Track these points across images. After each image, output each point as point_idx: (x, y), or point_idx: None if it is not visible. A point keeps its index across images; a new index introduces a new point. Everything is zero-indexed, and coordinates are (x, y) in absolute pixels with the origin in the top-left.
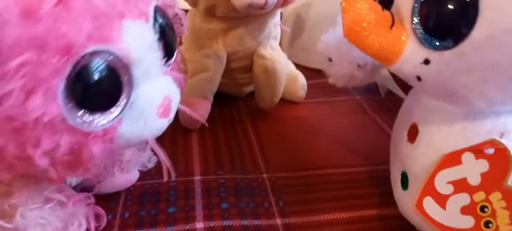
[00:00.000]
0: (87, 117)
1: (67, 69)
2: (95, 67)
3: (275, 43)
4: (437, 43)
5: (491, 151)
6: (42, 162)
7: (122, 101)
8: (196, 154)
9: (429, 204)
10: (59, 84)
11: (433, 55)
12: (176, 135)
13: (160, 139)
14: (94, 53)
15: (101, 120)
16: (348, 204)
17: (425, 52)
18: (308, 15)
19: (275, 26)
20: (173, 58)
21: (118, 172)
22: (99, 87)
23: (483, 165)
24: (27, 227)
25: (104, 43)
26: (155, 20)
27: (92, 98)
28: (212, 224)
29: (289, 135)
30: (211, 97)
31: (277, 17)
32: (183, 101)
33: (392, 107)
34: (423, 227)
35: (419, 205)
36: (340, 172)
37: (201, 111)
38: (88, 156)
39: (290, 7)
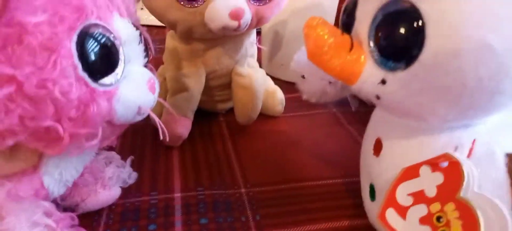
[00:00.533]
0: (92, 75)
1: (78, 27)
2: (98, 37)
3: (252, 61)
4: (391, 65)
5: (445, 164)
6: (58, 101)
7: (119, 70)
8: (177, 171)
9: (391, 215)
10: (73, 36)
11: (388, 76)
12: (157, 152)
13: (141, 156)
14: (96, 26)
15: (103, 80)
16: (321, 215)
17: (381, 73)
18: (284, 32)
19: (251, 44)
20: (147, 62)
21: (101, 188)
22: (102, 53)
23: (439, 178)
24: None
25: (104, 20)
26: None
27: (96, 61)
28: None
29: (267, 149)
30: (191, 115)
31: (253, 37)
32: (163, 119)
33: (366, 119)
34: None
35: (382, 216)
36: (316, 184)
37: (182, 129)
38: (93, 111)
39: (268, 25)
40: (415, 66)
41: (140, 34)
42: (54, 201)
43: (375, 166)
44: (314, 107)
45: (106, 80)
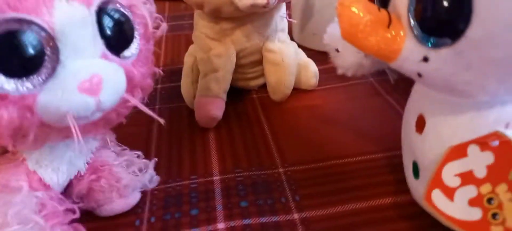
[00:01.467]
0: (2, 80)
1: None
2: (17, 35)
3: (283, 35)
4: (434, 42)
5: (496, 143)
6: None
7: (44, 72)
8: (214, 153)
9: (437, 196)
10: None
11: (431, 53)
12: (194, 135)
13: (178, 140)
14: (17, 21)
15: (18, 86)
16: (363, 193)
17: (423, 50)
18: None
19: (281, 19)
20: (131, 51)
21: (117, 197)
22: (19, 54)
23: (489, 157)
24: None
25: (27, 13)
26: (105, 10)
27: (11, 63)
28: (232, 224)
29: (303, 126)
30: (224, 96)
31: (283, 10)
32: (196, 102)
33: (406, 87)
34: (436, 215)
35: (428, 198)
36: (355, 160)
37: (216, 111)
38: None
39: None
40: (462, 42)
41: (125, 16)
42: (71, 199)
43: (418, 144)
44: (350, 78)
45: (22, 87)
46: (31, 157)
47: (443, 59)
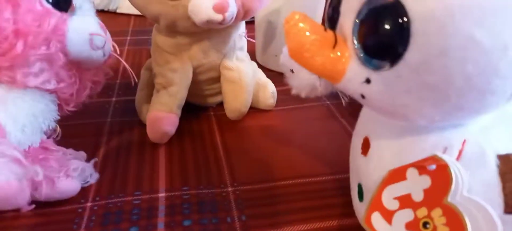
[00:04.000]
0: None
1: None
2: None
3: (241, 54)
4: (376, 63)
5: (433, 167)
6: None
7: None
8: (163, 169)
9: (377, 219)
10: None
11: (373, 75)
12: (143, 150)
13: (127, 154)
14: None
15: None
16: (310, 215)
17: (366, 72)
18: (278, 21)
19: (240, 37)
20: None
21: (64, 177)
22: None
23: (426, 181)
24: None
25: None
26: None
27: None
28: None
29: (257, 145)
30: (178, 111)
31: (241, 29)
32: (149, 116)
33: (359, 111)
34: None
35: (368, 220)
36: (305, 182)
37: (168, 126)
38: (46, 27)
39: (261, 15)
40: (400, 65)
41: None
42: None
43: (363, 166)
44: (307, 100)
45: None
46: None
47: (383, 82)
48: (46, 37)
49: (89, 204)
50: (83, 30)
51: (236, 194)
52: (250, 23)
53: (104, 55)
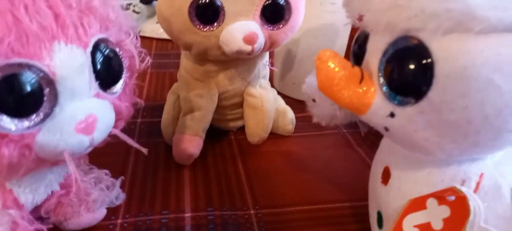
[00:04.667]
0: (5, 120)
1: None
2: (19, 77)
3: (264, 82)
4: (400, 99)
5: (452, 198)
6: None
7: (42, 112)
8: (187, 190)
9: None
10: None
11: (397, 110)
12: (169, 171)
13: (153, 174)
14: (20, 65)
15: (19, 125)
16: None
17: (390, 107)
18: (297, 50)
19: (264, 66)
20: (118, 87)
21: (85, 211)
22: (21, 95)
23: (445, 211)
24: None
25: (28, 57)
26: (98, 50)
27: (12, 104)
28: None
29: (276, 170)
30: (203, 135)
31: (266, 58)
32: (175, 138)
33: (375, 141)
34: None
35: None
36: (324, 208)
37: (194, 149)
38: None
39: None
40: (423, 102)
41: (115, 53)
42: (38, 214)
43: (383, 195)
44: (325, 128)
45: (22, 126)
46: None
47: (407, 116)
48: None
49: (119, 221)
50: (53, 148)
51: (258, 217)
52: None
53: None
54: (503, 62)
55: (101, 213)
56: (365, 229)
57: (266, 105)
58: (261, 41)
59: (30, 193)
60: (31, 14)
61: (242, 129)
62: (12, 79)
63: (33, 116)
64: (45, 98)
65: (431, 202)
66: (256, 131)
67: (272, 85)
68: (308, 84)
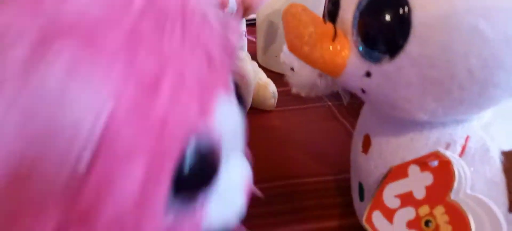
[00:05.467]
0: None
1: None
2: (197, 150)
3: (241, 53)
4: (376, 56)
5: (435, 163)
6: None
7: (214, 181)
8: None
9: (377, 218)
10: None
11: (373, 68)
12: None
13: None
14: (196, 135)
15: (191, 202)
16: (309, 215)
17: (366, 65)
18: (279, 22)
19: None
20: None
21: None
22: (197, 169)
23: (428, 178)
24: None
25: (204, 118)
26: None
27: (189, 181)
28: None
29: (257, 146)
30: None
31: (241, 28)
32: None
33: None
34: None
35: (369, 219)
36: (305, 182)
37: None
38: None
39: (262, 15)
40: (401, 58)
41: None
42: None
43: (364, 164)
44: (308, 101)
45: (195, 201)
46: None
47: (384, 74)
48: None
49: None
50: (222, 222)
51: None
52: (252, 25)
53: None
54: (490, 7)
55: None
56: (349, 202)
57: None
58: (232, 5)
59: None
60: None
61: None
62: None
63: (206, 188)
64: (217, 168)
65: (413, 169)
66: None
67: (255, 60)
68: (285, 52)
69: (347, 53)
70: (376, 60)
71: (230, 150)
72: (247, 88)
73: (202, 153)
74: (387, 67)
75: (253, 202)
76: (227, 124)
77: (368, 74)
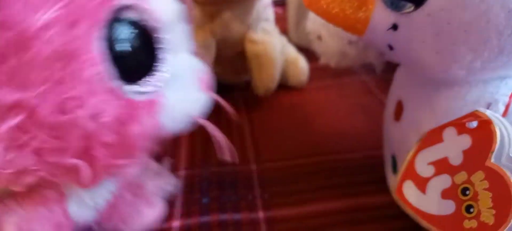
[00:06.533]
0: (128, 82)
1: (103, 17)
2: (132, 26)
3: (267, 25)
4: (403, 4)
5: (474, 124)
6: (86, 125)
7: (162, 67)
8: (184, 147)
9: (408, 188)
10: (97, 31)
11: (400, 19)
12: None
13: None
14: (128, 8)
15: (143, 87)
16: (337, 192)
17: (392, 17)
18: None
19: (264, 8)
20: None
21: (146, 207)
22: (139, 49)
23: (466, 141)
24: None
25: None
26: None
27: (131, 61)
28: (188, 222)
29: (286, 123)
30: None
31: (265, 1)
32: None
33: None
34: (407, 210)
35: (399, 191)
36: (335, 158)
37: None
38: (134, 132)
39: None
40: (429, 2)
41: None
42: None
43: (396, 133)
44: (342, 76)
45: (147, 86)
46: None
47: (411, 24)
48: None
49: None
50: (182, 112)
51: (261, 172)
52: (281, 4)
53: None
54: None
55: (161, 208)
56: (377, 179)
57: (269, 52)
58: None
59: (89, 210)
60: None
61: (249, 83)
62: (121, 29)
63: (154, 73)
64: (158, 49)
65: (449, 132)
66: (261, 81)
67: (289, 38)
68: (312, 19)
69: (370, 7)
70: (402, 8)
71: (176, 44)
72: None
73: (140, 28)
74: (415, 16)
75: (291, 178)
76: (164, 11)
77: (394, 27)
